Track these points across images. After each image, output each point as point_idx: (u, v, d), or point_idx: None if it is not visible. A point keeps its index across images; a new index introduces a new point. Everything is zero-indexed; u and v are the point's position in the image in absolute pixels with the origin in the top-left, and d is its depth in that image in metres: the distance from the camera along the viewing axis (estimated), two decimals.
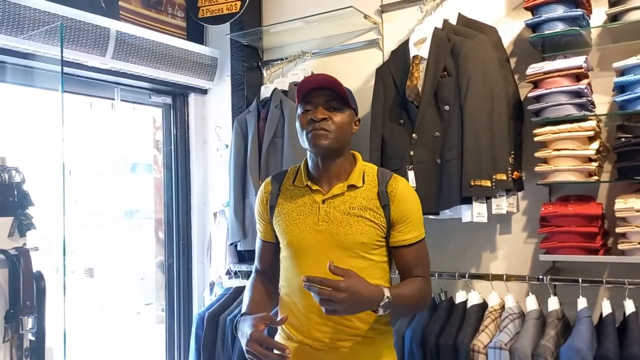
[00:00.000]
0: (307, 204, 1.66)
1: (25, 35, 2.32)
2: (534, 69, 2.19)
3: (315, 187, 1.66)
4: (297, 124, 1.65)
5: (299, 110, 1.64)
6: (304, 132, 1.61)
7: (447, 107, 2.25)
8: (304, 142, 1.64)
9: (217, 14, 2.94)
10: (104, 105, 3.19)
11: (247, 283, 1.80)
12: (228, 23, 2.98)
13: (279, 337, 1.71)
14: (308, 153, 1.69)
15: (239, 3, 2.89)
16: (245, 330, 1.53)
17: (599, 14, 2.22)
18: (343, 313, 1.46)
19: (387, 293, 1.48)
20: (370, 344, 1.63)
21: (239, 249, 2.87)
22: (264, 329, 1.51)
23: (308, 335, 1.62)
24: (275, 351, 1.47)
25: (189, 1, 3.05)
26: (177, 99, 3.28)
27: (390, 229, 1.65)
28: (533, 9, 2.23)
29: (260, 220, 1.78)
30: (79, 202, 3.64)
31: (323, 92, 1.61)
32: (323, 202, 1.63)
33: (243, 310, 1.67)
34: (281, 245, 1.72)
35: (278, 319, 1.58)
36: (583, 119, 2.11)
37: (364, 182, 1.66)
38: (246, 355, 1.51)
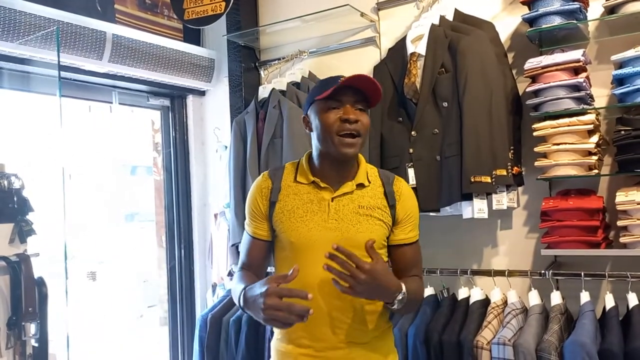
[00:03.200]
0: (314, 202, 1.62)
1: (21, 41, 2.32)
2: (531, 63, 2.18)
3: (323, 185, 1.62)
4: (319, 122, 1.57)
5: (322, 108, 1.57)
6: (332, 134, 1.54)
7: (445, 104, 2.24)
8: (326, 143, 1.57)
9: (202, 15, 2.90)
10: (102, 109, 3.19)
11: (235, 276, 1.67)
12: (224, 23, 2.97)
13: (278, 342, 1.67)
14: (317, 150, 1.63)
15: (223, 4, 2.85)
16: (256, 291, 1.40)
17: (596, 7, 2.21)
18: (359, 295, 1.44)
19: (404, 288, 1.48)
20: (375, 346, 1.63)
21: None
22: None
23: (313, 337, 1.59)
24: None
25: (175, 4, 2.99)
26: (175, 101, 3.27)
27: (394, 228, 1.66)
28: (530, 3, 2.22)
29: (256, 216, 1.68)
30: (80, 206, 3.64)
31: (354, 91, 1.56)
32: (332, 199, 1.61)
33: (243, 286, 1.51)
34: (281, 245, 1.66)
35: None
36: (582, 112, 2.11)
37: (369, 182, 1.66)
38: (265, 314, 1.35)
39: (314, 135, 1.63)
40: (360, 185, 1.64)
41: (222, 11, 2.86)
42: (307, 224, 1.60)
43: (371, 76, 2.47)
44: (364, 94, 1.58)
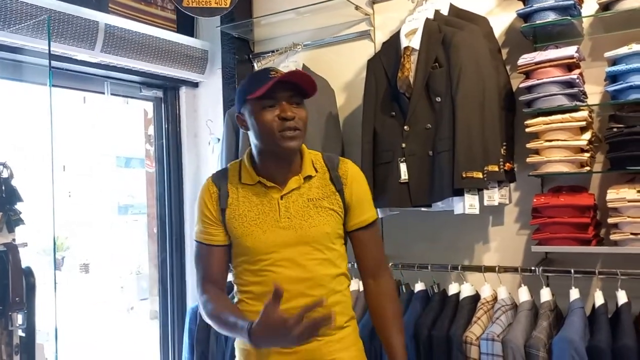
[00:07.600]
0: (264, 202, 1.58)
1: (12, 29, 2.29)
2: (525, 59, 2.17)
3: (270, 184, 1.58)
4: (255, 122, 1.52)
5: (256, 107, 1.52)
6: (272, 133, 1.50)
7: (438, 99, 2.23)
8: (268, 142, 1.53)
9: (205, 5, 2.86)
10: (96, 100, 3.17)
11: (208, 305, 1.56)
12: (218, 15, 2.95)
13: (242, 343, 1.61)
14: (256, 148, 1.60)
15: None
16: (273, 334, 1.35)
17: (590, 3, 2.20)
18: None
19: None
20: (341, 337, 1.60)
21: None
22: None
23: None
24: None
25: None
26: (168, 92, 3.25)
27: (347, 213, 1.62)
28: None
29: (210, 223, 1.62)
30: (73, 197, 3.63)
31: (287, 86, 1.50)
32: (282, 197, 1.58)
33: (240, 322, 1.43)
34: (238, 250, 1.61)
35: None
36: (575, 109, 2.10)
37: (316, 170, 1.62)
38: (299, 343, 1.36)
39: (251, 134, 1.58)
40: (308, 177, 1.60)
41: (228, 6, 2.82)
42: (261, 227, 1.57)
43: (366, 68, 2.49)
44: (298, 87, 1.52)
